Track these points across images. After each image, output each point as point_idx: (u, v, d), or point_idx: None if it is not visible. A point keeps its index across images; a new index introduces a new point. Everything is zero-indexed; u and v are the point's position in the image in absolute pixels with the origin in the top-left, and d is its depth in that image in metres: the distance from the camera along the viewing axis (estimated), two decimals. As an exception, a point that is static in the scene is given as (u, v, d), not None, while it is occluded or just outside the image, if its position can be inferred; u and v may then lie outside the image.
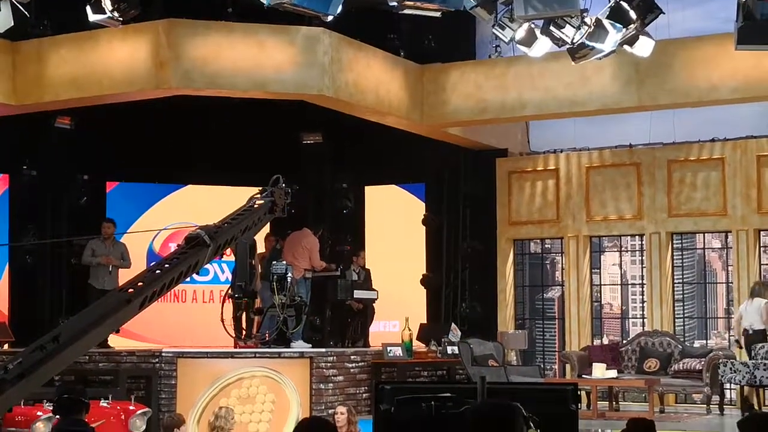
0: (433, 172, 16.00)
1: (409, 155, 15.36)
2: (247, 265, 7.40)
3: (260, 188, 7.48)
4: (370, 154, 15.41)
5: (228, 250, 7.01)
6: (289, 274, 7.56)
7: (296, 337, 12.70)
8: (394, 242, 15.84)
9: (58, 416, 5.66)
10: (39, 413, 10.33)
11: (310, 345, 13.02)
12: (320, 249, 13.70)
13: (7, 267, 14.78)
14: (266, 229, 13.84)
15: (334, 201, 16.07)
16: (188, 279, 6.34)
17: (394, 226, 16.00)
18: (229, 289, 7.56)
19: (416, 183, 16.23)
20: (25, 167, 14.68)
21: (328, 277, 13.98)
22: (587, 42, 10.01)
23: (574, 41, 9.98)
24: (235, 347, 12.39)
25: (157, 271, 5.98)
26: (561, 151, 15.51)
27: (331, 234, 15.63)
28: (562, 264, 15.67)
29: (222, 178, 14.65)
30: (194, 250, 6.31)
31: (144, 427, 10.94)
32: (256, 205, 7.30)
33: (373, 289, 14.37)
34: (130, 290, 5.69)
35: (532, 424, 5.27)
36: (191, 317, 15.24)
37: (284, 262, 8.57)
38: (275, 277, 7.57)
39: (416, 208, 16.06)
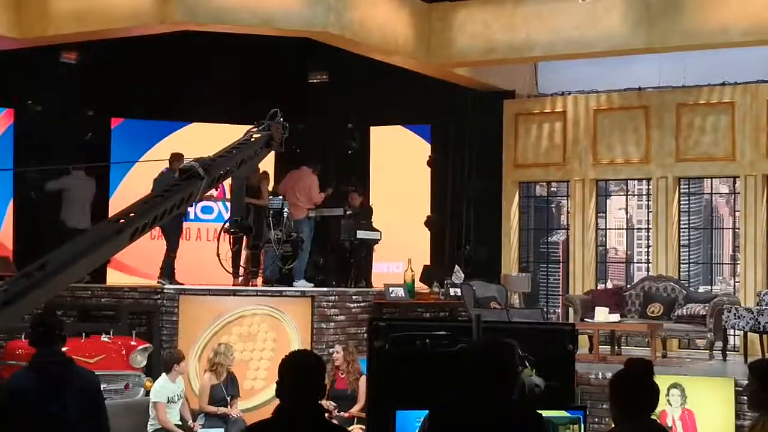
0: (439, 113, 15.84)
1: (415, 96, 15.20)
2: (243, 200, 7.34)
3: (257, 122, 7.39)
4: (376, 94, 15.25)
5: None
6: (285, 210, 7.49)
7: (298, 276, 12.66)
8: (398, 183, 15.75)
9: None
10: (39, 347, 10.35)
11: (312, 284, 13.00)
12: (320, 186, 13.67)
13: (11, 202, 14.75)
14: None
15: (339, 141, 15.95)
16: (186, 213, 6.29)
17: (399, 167, 15.89)
18: (224, 224, 7.50)
19: (422, 124, 16.08)
20: (30, 102, 14.58)
21: (333, 216, 13.94)
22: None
23: (582, -21, 9.81)
24: (234, 284, 12.37)
25: (150, 202, 5.90)
26: (569, 94, 15.35)
27: (335, 174, 15.54)
28: (567, 207, 15.57)
29: (227, 116, 14.50)
30: (188, 182, 6.24)
31: (145, 362, 10.97)
32: (252, 139, 7.22)
33: (376, 230, 14.30)
34: (121, 221, 5.59)
35: (527, 363, 5.24)
36: (196, 255, 15.20)
37: (280, 197, 8.50)
38: (271, 212, 7.51)
39: (421, 149, 15.94)
